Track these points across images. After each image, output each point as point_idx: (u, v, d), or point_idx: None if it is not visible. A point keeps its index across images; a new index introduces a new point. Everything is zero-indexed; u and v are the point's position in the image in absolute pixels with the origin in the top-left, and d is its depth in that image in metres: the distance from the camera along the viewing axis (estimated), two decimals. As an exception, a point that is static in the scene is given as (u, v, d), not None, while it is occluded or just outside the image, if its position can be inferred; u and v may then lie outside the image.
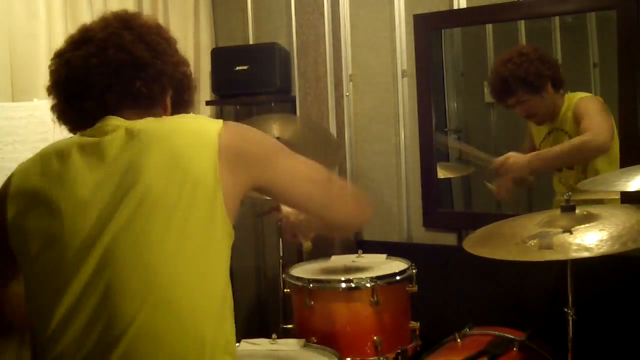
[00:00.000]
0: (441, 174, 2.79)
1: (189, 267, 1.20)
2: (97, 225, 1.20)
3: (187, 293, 1.19)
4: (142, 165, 1.21)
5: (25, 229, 1.25)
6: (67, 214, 1.22)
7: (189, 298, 1.19)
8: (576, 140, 2.42)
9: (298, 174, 1.38)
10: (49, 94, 1.40)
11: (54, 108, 1.40)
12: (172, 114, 1.43)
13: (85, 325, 1.18)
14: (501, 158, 2.60)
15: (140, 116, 1.32)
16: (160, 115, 1.38)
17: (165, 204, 1.19)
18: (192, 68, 1.53)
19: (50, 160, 1.28)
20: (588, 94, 2.48)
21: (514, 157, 2.58)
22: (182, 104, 1.46)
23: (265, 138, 1.37)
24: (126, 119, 1.31)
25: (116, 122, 1.30)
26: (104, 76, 1.32)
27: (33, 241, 1.24)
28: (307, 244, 1.90)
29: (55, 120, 1.42)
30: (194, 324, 1.19)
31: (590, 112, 2.41)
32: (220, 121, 1.30)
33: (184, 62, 1.44)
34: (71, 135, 1.38)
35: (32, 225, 1.24)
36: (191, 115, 1.37)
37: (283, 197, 1.41)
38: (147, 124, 1.28)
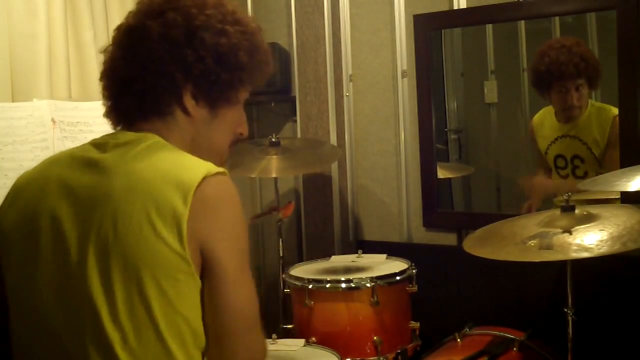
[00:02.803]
0: (441, 174, 2.79)
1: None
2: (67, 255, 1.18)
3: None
4: (111, 205, 1.16)
5: (10, 241, 1.25)
6: (44, 229, 1.20)
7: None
8: None
9: (242, 283, 1.19)
10: None
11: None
12: (212, 113, 1.31)
13: None
14: (529, 180, 2.62)
15: (153, 125, 1.27)
16: (181, 122, 1.29)
17: (126, 252, 1.13)
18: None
19: (46, 168, 1.27)
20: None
21: (540, 181, 2.58)
22: (212, 101, 1.30)
23: (242, 232, 1.22)
24: (139, 127, 1.27)
25: (119, 139, 1.25)
26: (110, 87, 1.31)
27: (14, 257, 1.24)
28: None
29: (56, 120, 1.42)
30: None
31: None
32: (213, 170, 1.18)
33: (201, 58, 1.25)
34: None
35: (17, 233, 1.24)
36: (187, 156, 1.23)
37: (215, 284, 1.17)
38: (133, 159, 1.20)
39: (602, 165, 2.44)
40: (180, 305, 1.14)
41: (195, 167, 1.18)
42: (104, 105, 1.33)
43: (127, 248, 1.12)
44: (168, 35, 1.24)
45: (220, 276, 1.16)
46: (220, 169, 1.19)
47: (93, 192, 1.18)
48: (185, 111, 1.28)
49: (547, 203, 2.56)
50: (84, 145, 1.30)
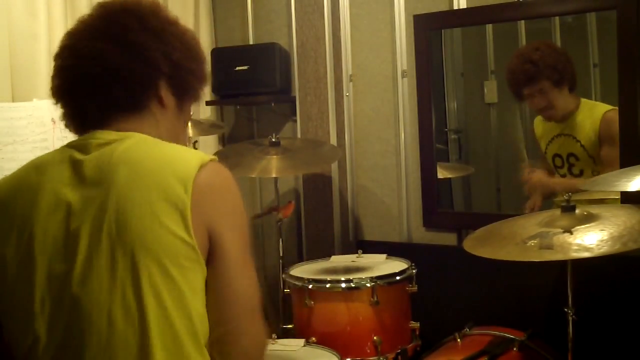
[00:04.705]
0: (441, 174, 2.79)
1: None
2: (63, 252, 1.17)
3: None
4: (112, 198, 1.15)
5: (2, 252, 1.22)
6: (38, 239, 1.18)
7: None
8: None
9: (245, 267, 1.22)
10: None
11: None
12: (179, 106, 1.34)
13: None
14: (528, 172, 2.62)
15: (130, 121, 1.27)
16: (157, 114, 1.30)
17: (133, 246, 1.13)
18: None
19: (29, 177, 1.24)
20: (612, 107, 2.37)
21: (539, 175, 2.57)
22: (184, 95, 1.34)
23: (243, 215, 1.25)
24: (116, 127, 1.26)
25: (102, 138, 1.24)
26: (84, 87, 1.28)
27: (8, 264, 1.21)
28: None
29: (56, 120, 1.40)
30: None
31: (616, 137, 2.31)
32: (206, 158, 1.21)
33: (176, 49, 1.29)
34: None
35: (8, 249, 1.21)
36: (178, 147, 1.26)
37: (221, 269, 1.19)
38: (126, 153, 1.20)
39: (596, 162, 2.44)
40: (188, 292, 1.15)
41: (191, 157, 1.21)
42: (63, 110, 1.32)
43: (133, 238, 1.13)
44: (146, 27, 1.28)
45: (225, 261, 1.19)
46: (212, 157, 1.23)
47: (88, 192, 1.18)
48: (161, 101, 1.30)
49: (547, 203, 2.56)
50: (62, 148, 1.27)
